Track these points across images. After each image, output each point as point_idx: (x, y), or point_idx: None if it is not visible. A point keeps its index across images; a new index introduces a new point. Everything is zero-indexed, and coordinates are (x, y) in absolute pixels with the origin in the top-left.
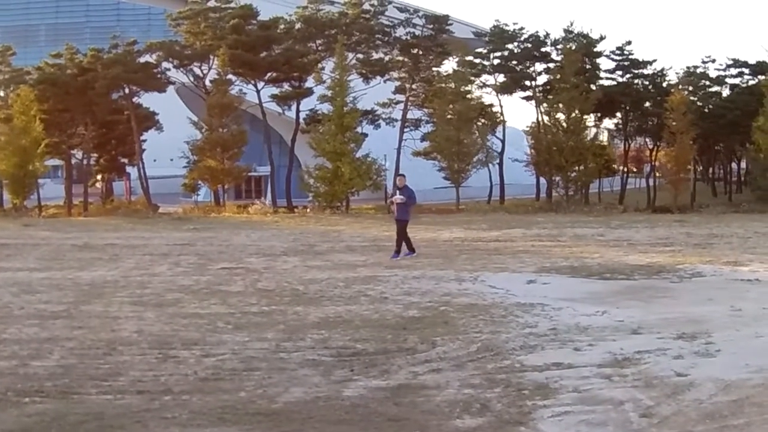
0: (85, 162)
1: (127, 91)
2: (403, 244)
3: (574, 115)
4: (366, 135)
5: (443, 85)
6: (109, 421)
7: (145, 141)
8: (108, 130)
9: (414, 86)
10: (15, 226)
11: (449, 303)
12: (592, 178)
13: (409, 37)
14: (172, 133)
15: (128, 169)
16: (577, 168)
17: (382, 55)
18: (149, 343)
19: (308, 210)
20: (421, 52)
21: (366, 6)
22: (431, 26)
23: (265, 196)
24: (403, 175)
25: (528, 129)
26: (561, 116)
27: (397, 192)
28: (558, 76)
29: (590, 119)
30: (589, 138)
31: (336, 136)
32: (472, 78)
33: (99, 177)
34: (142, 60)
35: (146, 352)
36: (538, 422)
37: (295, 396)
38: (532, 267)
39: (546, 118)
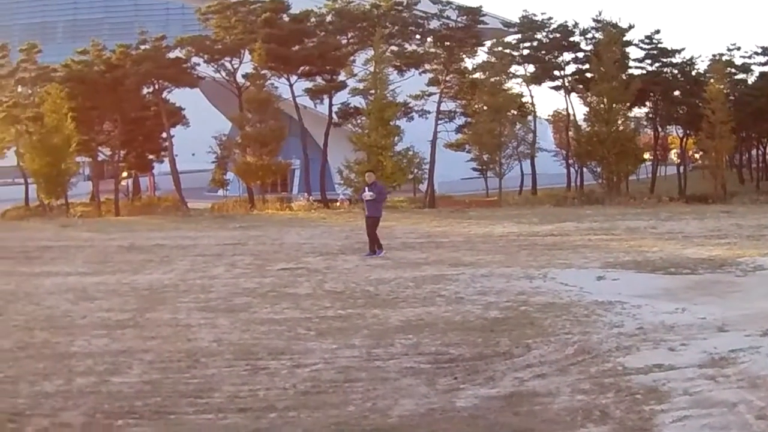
0: (112, 159)
1: (156, 86)
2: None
3: (615, 106)
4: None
5: (478, 76)
6: None
7: (173, 137)
8: (135, 126)
9: (447, 78)
10: (53, 227)
11: (527, 302)
12: (634, 169)
13: (442, 29)
14: (193, 128)
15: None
16: (617, 158)
17: (415, 48)
18: (233, 354)
19: (338, 204)
20: (454, 44)
21: None
22: (464, 17)
23: (291, 190)
24: (372, 171)
25: (550, 118)
26: (601, 106)
27: (366, 189)
28: (599, 67)
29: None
30: (630, 128)
31: (376, 130)
32: (508, 70)
33: (125, 174)
34: (171, 55)
35: (233, 363)
36: (662, 428)
37: (407, 409)
38: (596, 262)
39: (585, 108)
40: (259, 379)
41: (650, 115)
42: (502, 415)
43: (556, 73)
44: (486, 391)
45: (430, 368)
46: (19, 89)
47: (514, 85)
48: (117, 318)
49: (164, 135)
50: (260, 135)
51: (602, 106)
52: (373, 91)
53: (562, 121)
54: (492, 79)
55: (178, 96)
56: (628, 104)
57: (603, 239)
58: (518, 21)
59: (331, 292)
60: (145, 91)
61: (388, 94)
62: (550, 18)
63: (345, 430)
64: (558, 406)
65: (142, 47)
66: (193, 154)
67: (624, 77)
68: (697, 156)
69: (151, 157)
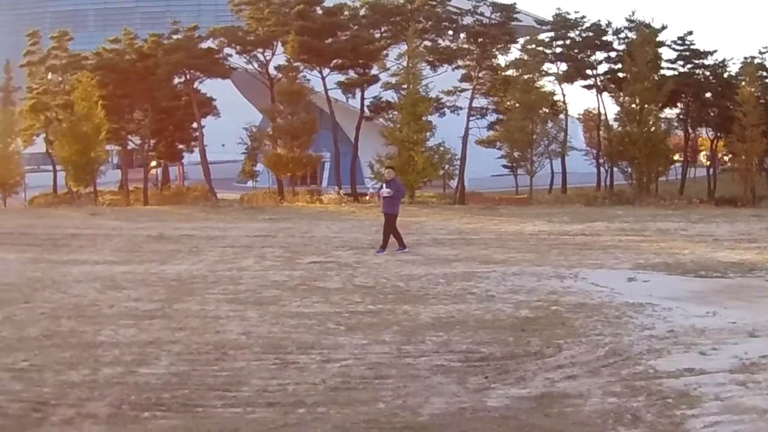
0: (142, 148)
1: (189, 76)
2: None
3: (647, 107)
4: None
5: (512, 73)
6: None
7: (203, 127)
8: (166, 116)
9: (480, 74)
10: (81, 215)
11: (558, 302)
12: (664, 170)
13: (475, 25)
14: (223, 119)
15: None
16: (648, 159)
17: (448, 43)
18: (261, 347)
19: (368, 198)
20: (488, 41)
21: None
22: (498, 14)
23: (321, 183)
24: (392, 168)
25: (581, 117)
26: (633, 106)
27: (384, 185)
28: (632, 67)
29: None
30: (662, 129)
31: (408, 125)
32: (541, 67)
33: (153, 163)
34: (203, 46)
35: (261, 357)
36: None
37: (437, 407)
38: (627, 263)
39: (617, 108)
40: (288, 374)
41: (681, 117)
42: (533, 417)
43: (588, 72)
44: (517, 392)
45: (460, 366)
46: (50, 76)
47: (547, 83)
48: (145, 308)
49: (194, 125)
50: (292, 127)
51: (634, 106)
52: (405, 86)
53: (592, 120)
54: (525, 77)
55: (208, 86)
56: (660, 105)
57: (634, 240)
58: (551, 19)
59: (361, 286)
60: (176, 80)
61: (421, 89)
62: (584, 17)
63: (375, 428)
64: (589, 408)
65: (174, 37)
66: (223, 145)
67: (656, 78)
68: (726, 158)
69: (180, 146)
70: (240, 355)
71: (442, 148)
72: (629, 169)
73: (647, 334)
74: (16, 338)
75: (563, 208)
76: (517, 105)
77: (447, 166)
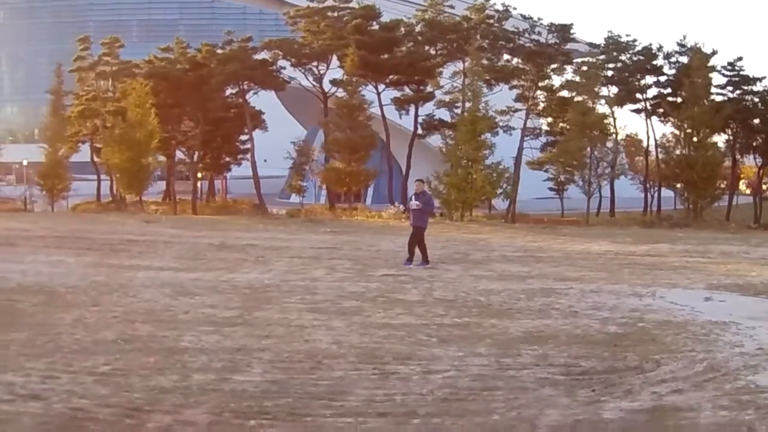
0: (191, 160)
1: (243, 87)
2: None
3: (704, 131)
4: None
5: (566, 94)
6: None
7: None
8: (215, 127)
9: (535, 95)
10: (135, 222)
11: (643, 319)
12: (721, 194)
13: (532, 45)
14: (265, 134)
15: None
16: (705, 184)
17: (504, 62)
18: (357, 357)
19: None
20: (544, 61)
21: (489, 12)
22: (554, 34)
23: (365, 200)
24: (422, 181)
25: (622, 142)
26: (690, 130)
27: (413, 198)
28: (691, 90)
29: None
30: (719, 153)
31: (468, 142)
32: (596, 90)
33: (199, 175)
34: (257, 57)
35: (358, 366)
36: None
37: (554, 419)
38: (700, 284)
39: (665, 132)
40: (391, 384)
41: (729, 143)
42: (651, 429)
43: (638, 95)
44: (628, 405)
45: (565, 380)
46: (100, 83)
47: (598, 106)
48: (223, 315)
49: (242, 138)
50: (350, 141)
51: (692, 130)
52: (459, 104)
53: (634, 146)
54: (581, 98)
55: (252, 101)
56: (716, 130)
57: (700, 262)
58: (603, 42)
59: (441, 300)
60: (227, 92)
61: (481, 107)
62: (635, 40)
63: None
64: (704, 420)
65: (228, 48)
66: (265, 160)
67: (708, 103)
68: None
69: (228, 159)
70: (336, 365)
71: (501, 167)
72: (684, 194)
73: (738, 351)
74: (92, 341)
75: (624, 230)
76: (569, 127)
77: (505, 185)
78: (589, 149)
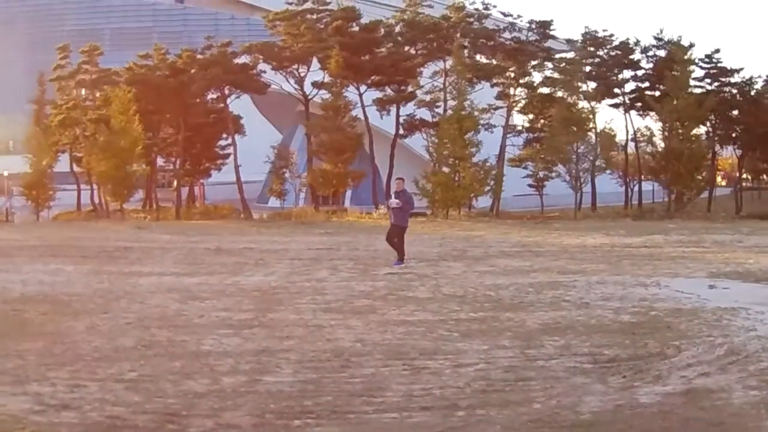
0: (171, 166)
1: (224, 92)
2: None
3: (687, 123)
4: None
5: (547, 90)
6: None
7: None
8: (194, 133)
9: (516, 92)
10: (126, 229)
11: (653, 308)
12: (706, 185)
13: (512, 42)
14: (239, 139)
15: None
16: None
17: (486, 60)
18: (383, 354)
19: (383, 211)
20: (525, 58)
21: (469, 10)
22: (535, 30)
23: (343, 202)
24: (402, 179)
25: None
26: (676, 123)
27: (393, 196)
28: (674, 83)
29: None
30: (704, 145)
31: (454, 141)
32: (577, 86)
33: (175, 183)
34: (237, 62)
35: (387, 363)
36: None
37: (594, 406)
38: (700, 272)
39: (657, 124)
40: (425, 378)
41: (708, 134)
42: (689, 410)
43: (616, 90)
44: (661, 389)
45: (593, 368)
46: (80, 92)
47: (580, 102)
48: (238, 318)
49: (222, 143)
50: (337, 142)
51: (677, 122)
52: (440, 103)
53: (608, 140)
54: (563, 94)
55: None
56: (700, 122)
57: (696, 251)
58: (581, 38)
59: (452, 296)
60: (208, 97)
61: (466, 105)
62: (612, 35)
63: (545, 427)
64: (737, 401)
65: (208, 52)
66: (240, 165)
67: (686, 95)
68: (743, 177)
69: (208, 165)
70: (365, 362)
71: (487, 165)
72: (670, 186)
73: (754, 335)
74: (112, 348)
75: (614, 222)
76: (554, 123)
77: (492, 183)
78: (579, 144)
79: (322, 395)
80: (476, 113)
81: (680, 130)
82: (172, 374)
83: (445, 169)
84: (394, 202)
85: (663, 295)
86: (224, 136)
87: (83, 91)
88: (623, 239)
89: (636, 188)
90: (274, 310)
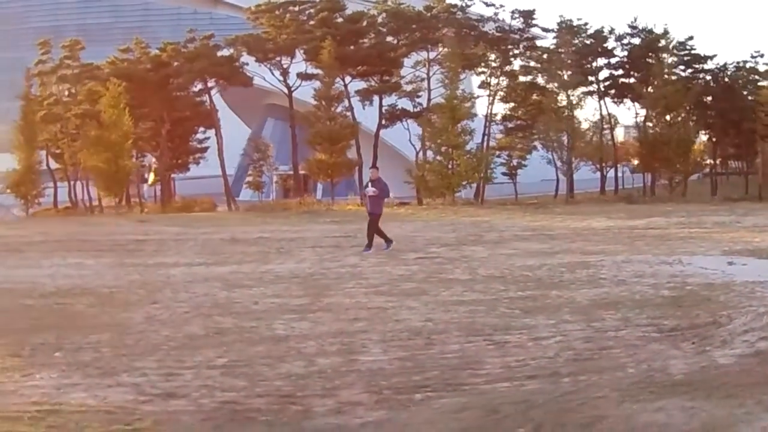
0: (155, 159)
1: (207, 85)
2: (376, 236)
3: (673, 110)
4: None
5: (529, 78)
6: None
7: (208, 139)
8: (174, 127)
9: (498, 81)
10: (128, 222)
11: (687, 283)
12: (695, 170)
13: (495, 32)
14: (207, 134)
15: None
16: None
17: (470, 49)
18: (459, 331)
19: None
20: (508, 47)
21: (452, 0)
22: (518, 20)
23: (314, 192)
24: (376, 168)
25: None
26: (659, 110)
27: (369, 185)
28: (660, 71)
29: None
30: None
31: (448, 129)
32: (560, 74)
33: (152, 176)
34: (220, 54)
35: (469, 339)
36: None
37: (683, 368)
38: (715, 251)
39: (644, 112)
40: (514, 351)
41: (684, 120)
42: (767, 368)
43: (590, 78)
44: (731, 351)
45: (662, 336)
46: (60, 87)
47: (555, 90)
48: (295, 303)
49: (199, 137)
50: (332, 132)
51: (664, 109)
52: (421, 93)
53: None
54: (546, 84)
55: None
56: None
57: (701, 232)
58: (556, 26)
59: (491, 277)
60: (191, 90)
61: (459, 94)
62: (586, 24)
63: (650, 387)
64: None
65: (190, 45)
66: (206, 159)
67: (673, 81)
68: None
69: (186, 158)
70: (447, 339)
71: (481, 152)
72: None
73: None
74: (184, 336)
75: (610, 206)
76: (545, 111)
77: (485, 169)
78: (569, 131)
79: (426, 371)
80: (461, 102)
81: (667, 117)
82: (263, 358)
83: (439, 158)
84: (370, 190)
85: (690, 272)
86: (201, 129)
87: (66, 87)
88: (626, 222)
89: (609, 174)
90: (325, 294)
